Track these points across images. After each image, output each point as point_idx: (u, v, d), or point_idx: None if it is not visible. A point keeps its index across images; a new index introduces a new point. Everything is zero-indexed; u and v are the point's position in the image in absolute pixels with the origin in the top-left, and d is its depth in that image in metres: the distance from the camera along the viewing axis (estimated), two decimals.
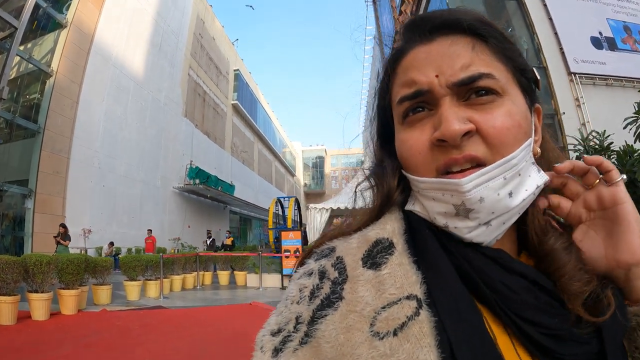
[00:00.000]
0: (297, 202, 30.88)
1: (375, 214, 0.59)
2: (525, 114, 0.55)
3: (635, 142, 7.41)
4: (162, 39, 25.44)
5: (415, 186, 0.56)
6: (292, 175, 69.30)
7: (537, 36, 16.96)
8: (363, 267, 0.51)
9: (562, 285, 0.51)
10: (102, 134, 19.98)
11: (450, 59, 0.53)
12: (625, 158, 7.55)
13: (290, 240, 13.43)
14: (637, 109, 5.93)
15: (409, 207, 0.58)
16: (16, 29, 14.07)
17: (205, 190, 27.79)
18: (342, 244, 0.56)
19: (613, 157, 7.81)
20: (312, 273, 0.54)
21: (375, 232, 0.55)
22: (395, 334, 0.45)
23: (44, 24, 17.48)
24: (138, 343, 6.21)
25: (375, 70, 41.41)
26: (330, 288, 0.51)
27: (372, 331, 0.46)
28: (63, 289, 8.12)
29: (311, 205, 17.40)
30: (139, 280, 10.49)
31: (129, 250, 20.11)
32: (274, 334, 0.52)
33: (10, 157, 16.78)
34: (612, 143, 7.96)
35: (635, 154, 6.30)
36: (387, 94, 0.60)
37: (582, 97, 16.23)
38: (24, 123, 16.56)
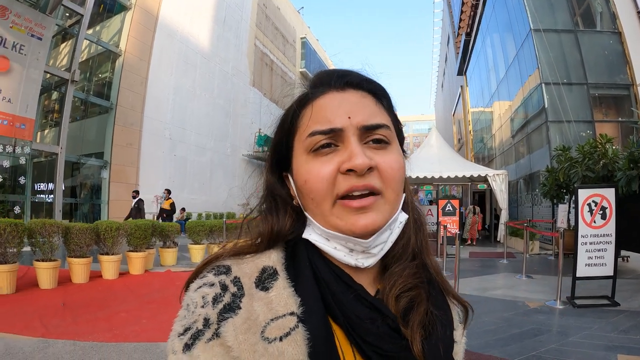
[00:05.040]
0: None
1: (263, 247, 0.68)
2: (403, 161, 0.68)
3: None
4: (226, 12, 25.84)
5: (322, 230, 0.65)
6: None
7: None
8: (256, 288, 0.61)
9: (389, 300, 0.65)
10: (172, 107, 21.00)
11: (362, 107, 0.65)
12: None
13: None
14: None
15: (306, 235, 0.68)
16: (82, 15, 14.99)
17: None
18: (236, 266, 0.64)
19: None
20: (213, 284, 0.61)
21: (262, 260, 0.65)
22: (281, 339, 0.56)
23: (110, 7, 18.41)
24: None
25: (446, 36, 39.31)
26: (231, 298, 0.60)
27: (263, 336, 0.57)
28: (131, 251, 8.93)
29: None
30: (202, 244, 11.23)
31: (199, 215, 21.39)
32: (181, 334, 0.59)
33: (87, 132, 18.28)
34: None
35: None
36: (292, 126, 0.69)
37: None
38: (97, 101, 17.92)
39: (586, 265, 6.66)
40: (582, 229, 6.74)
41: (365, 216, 0.61)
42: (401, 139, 0.72)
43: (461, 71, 34.57)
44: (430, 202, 20.17)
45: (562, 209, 8.58)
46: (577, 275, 6.66)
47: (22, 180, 13.71)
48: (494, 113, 25.03)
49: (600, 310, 6.18)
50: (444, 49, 48.79)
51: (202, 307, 0.59)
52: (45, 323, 5.17)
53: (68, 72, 14.76)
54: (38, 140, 15.96)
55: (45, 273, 7.21)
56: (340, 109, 0.64)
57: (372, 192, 0.62)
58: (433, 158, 17.29)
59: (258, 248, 0.68)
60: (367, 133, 0.64)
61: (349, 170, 0.61)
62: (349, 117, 0.63)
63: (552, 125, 15.03)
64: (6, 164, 13.13)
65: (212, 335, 0.57)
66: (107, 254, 8.32)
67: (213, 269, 0.64)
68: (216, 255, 0.68)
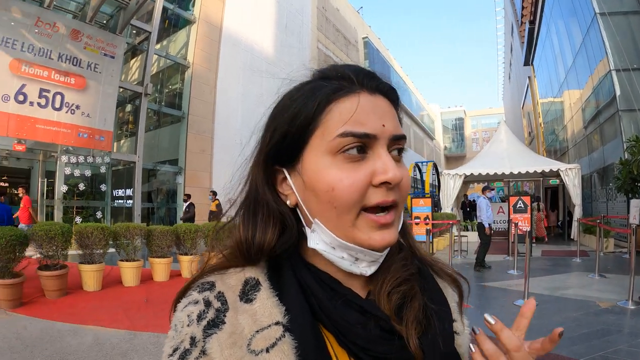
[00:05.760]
0: (435, 166, 29.89)
1: (242, 262, 0.66)
2: None
3: None
4: (287, 18, 26.26)
5: (332, 239, 0.61)
6: (431, 138, 64.98)
7: None
8: (241, 301, 0.60)
9: (380, 298, 0.63)
10: (241, 113, 21.63)
11: (391, 116, 0.62)
12: None
13: (421, 207, 13.30)
14: None
15: (312, 245, 0.63)
16: (150, 32, 15.96)
17: None
18: (220, 281, 0.63)
19: None
20: (197, 302, 0.60)
21: (245, 272, 0.64)
22: (267, 351, 0.55)
23: (175, 22, 19.39)
24: None
25: (509, 25, 37.68)
26: (214, 314, 0.59)
27: (249, 349, 0.56)
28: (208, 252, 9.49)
29: (444, 171, 17.16)
30: None
31: None
32: (170, 355, 0.58)
33: (161, 140, 19.41)
34: None
35: None
36: (314, 119, 0.61)
37: None
38: (169, 111, 18.96)
39: None
40: None
41: (387, 232, 0.60)
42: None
43: (528, 61, 32.82)
44: (502, 200, 19.55)
45: (634, 204, 8.04)
46: None
47: (102, 187, 14.78)
48: (564, 103, 23.57)
49: None
50: (509, 39, 46.38)
51: (188, 325, 0.58)
52: (130, 317, 5.64)
53: (141, 86, 15.89)
54: (116, 150, 17.12)
55: (128, 272, 7.80)
56: (375, 114, 0.60)
57: (392, 207, 0.61)
58: (503, 153, 16.86)
59: (237, 263, 0.66)
60: (393, 143, 0.62)
61: (384, 183, 0.58)
62: (383, 125, 0.60)
63: (624, 115, 13.95)
64: (88, 173, 14.18)
65: (200, 353, 0.56)
66: (186, 254, 8.83)
67: (198, 287, 0.63)
68: (201, 273, 0.67)
